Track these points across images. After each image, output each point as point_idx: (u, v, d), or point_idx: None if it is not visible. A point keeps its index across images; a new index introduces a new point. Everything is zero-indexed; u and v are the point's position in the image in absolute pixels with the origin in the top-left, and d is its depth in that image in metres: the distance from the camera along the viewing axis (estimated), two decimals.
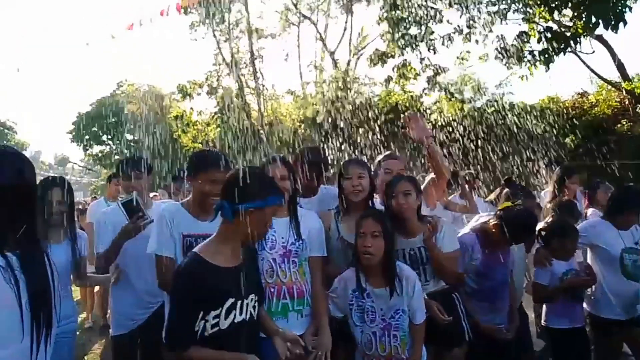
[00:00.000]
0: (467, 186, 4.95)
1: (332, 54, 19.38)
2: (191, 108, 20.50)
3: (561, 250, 3.32)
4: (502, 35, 11.01)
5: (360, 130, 11.92)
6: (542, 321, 3.50)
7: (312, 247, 2.68)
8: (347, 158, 3.30)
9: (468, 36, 11.40)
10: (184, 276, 1.94)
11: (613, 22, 7.62)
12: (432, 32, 11.82)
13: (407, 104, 13.51)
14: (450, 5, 11.10)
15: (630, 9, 7.81)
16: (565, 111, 11.77)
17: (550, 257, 3.33)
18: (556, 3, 9.07)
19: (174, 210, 2.62)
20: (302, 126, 16.29)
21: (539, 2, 9.70)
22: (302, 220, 2.67)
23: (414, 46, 11.92)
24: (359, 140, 11.15)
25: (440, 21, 11.61)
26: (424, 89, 13.81)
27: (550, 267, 3.32)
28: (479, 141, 10.00)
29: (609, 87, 11.87)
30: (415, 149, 10.18)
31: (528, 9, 10.33)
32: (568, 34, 9.68)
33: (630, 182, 5.43)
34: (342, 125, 12.63)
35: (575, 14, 9.02)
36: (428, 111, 12.94)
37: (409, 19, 11.45)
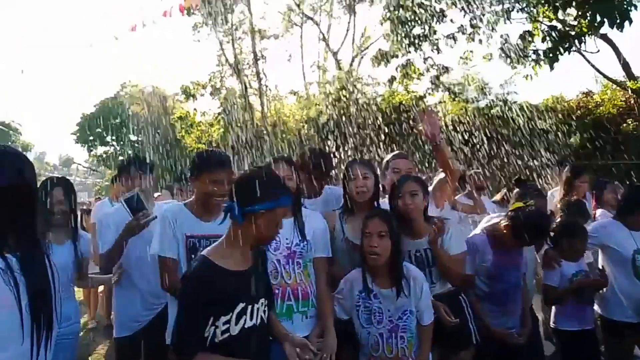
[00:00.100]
0: (474, 186, 4.89)
1: (335, 54, 19.37)
2: (194, 109, 20.51)
3: (570, 251, 3.28)
4: (506, 34, 10.96)
5: (364, 130, 11.89)
6: (551, 323, 3.46)
7: (316, 248, 2.66)
8: (350, 158, 3.25)
9: (472, 36, 11.35)
10: (193, 280, 1.89)
11: (618, 21, 7.55)
12: (436, 32, 11.79)
13: (411, 104, 13.47)
14: (454, 5, 11.05)
15: (636, 7, 7.74)
16: (569, 111, 11.71)
17: (559, 258, 3.28)
18: (560, 2, 9.02)
19: (176, 211, 2.60)
20: (306, 127, 16.27)
21: (543, 1, 9.64)
22: (306, 220, 2.65)
23: (417, 46, 11.88)
24: (362, 141, 11.12)
25: (444, 21, 11.56)
26: (428, 88, 13.76)
27: (560, 268, 3.27)
28: (483, 141, 9.96)
29: (614, 86, 11.80)
30: (419, 150, 10.15)
31: (532, 8, 10.26)
32: (572, 33, 9.63)
33: (636, 182, 5.38)
34: (345, 125, 12.60)
35: (580, 12, 8.96)
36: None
37: (413, 18, 11.40)
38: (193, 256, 2.51)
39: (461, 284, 2.85)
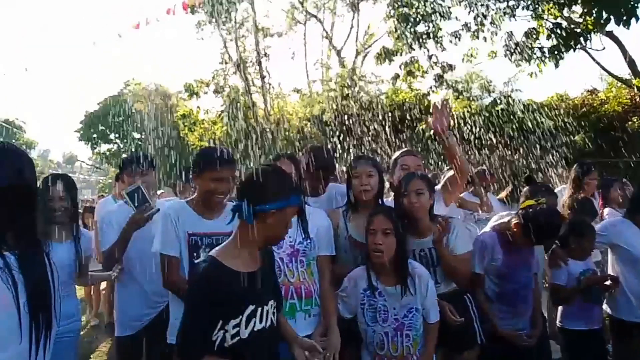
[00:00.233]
0: (482, 183, 4.83)
1: (338, 52, 19.35)
2: (198, 107, 20.56)
3: (578, 249, 3.24)
4: (511, 32, 10.90)
5: (367, 128, 11.86)
6: (558, 322, 3.42)
7: (320, 246, 2.64)
8: (353, 156, 3.20)
9: (476, 33, 11.29)
10: (201, 281, 1.83)
11: (625, 18, 7.50)
12: (440, 29, 11.73)
13: (415, 102, 13.44)
14: (459, 2, 10.99)
15: None
16: (574, 109, 11.66)
17: (566, 257, 3.24)
18: None
19: (179, 209, 2.58)
20: (309, 124, 16.26)
21: None
22: (310, 218, 2.62)
23: (421, 43, 11.82)
24: (365, 138, 11.09)
25: (449, 18, 11.50)
26: (431, 86, 13.70)
27: (567, 267, 3.23)
28: (487, 139, 9.91)
29: (619, 84, 11.74)
30: (425, 148, 10.12)
31: (537, 6, 10.20)
32: (578, 30, 9.58)
33: None
34: (348, 123, 12.56)
35: (586, 9, 8.91)
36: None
37: (417, 15, 11.35)
38: (195, 254, 2.50)
39: (467, 284, 2.81)
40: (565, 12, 9.72)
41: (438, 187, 3.24)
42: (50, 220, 2.92)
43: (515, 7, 10.55)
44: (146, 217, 2.81)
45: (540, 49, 10.18)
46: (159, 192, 5.02)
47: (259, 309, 1.86)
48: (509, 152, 9.93)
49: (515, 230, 2.86)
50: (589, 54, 10.71)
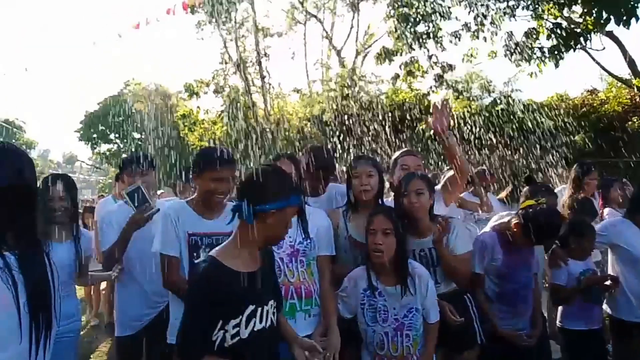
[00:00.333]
0: (482, 183, 4.82)
1: (338, 52, 19.34)
2: (198, 107, 20.55)
3: (578, 249, 3.23)
4: (511, 32, 10.89)
5: (367, 128, 11.85)
6: (558, 322, 3.41)
7: (320, 246, 2.64)
8: (353, 156, 3.19)
9: (476, 33, 11.29)
10: (201, 281, 1.83)
11: (625, 18, 7.49)
12: (440, 29, 11.73)
13: (414, 102, 13.43)
14: (459, 2, 10.98)
15: None
16: (574, 109, 11.65)
17: (566, 257, 3.23)
18: None
19: (179, 209, 2.58)
20: (309, 124, 16.25)
21: None
22: (310, 218, 2.61)
23: (421, 43, 11.81)
24: (365, 138, 11.08)
25: (449, 18, 11.50)
26: (431, 86, 13.69)
27: (567, 267, 3.23)
28: (487, 139, 9.91)
29: (619, 84, 11.74)
30: (425, 148, 10.11)
31: (537, 6, 10.19)
32: (578, 30, 9.57)
33: None
34: (348, 123, 12.56)
35: (586, 9, 8.90)
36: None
37: (417, 15, 11.34)
38: (195, 254, 2.50)
39: (467, 284, 2.81)
40: (565, 12, 9.72)
41: (438, 187, 3.23)
42: (50, 220, 2.92)
43: (515, 7, 10.54)
44: (146, 217, 2.81)
45: (540, 49, 10.17)
46: (159, 192, 5.02)
47: (259, 309, 1.85)
48: (509, 152, 9.93)
49: (515, 230, 2.85)
50: (589, 54, 10.71)
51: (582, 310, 3.25)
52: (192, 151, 16.59)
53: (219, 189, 2.48)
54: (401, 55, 12.45)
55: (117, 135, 26.84)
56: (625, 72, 11.24)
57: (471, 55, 12.70)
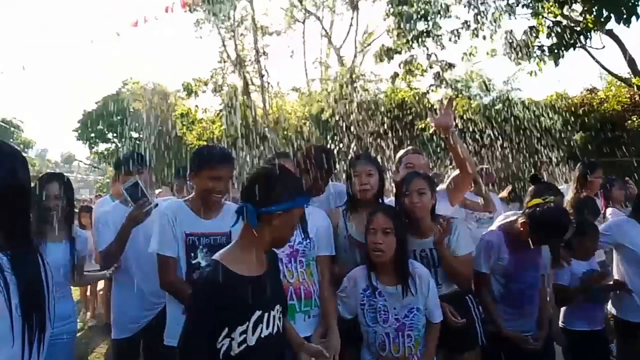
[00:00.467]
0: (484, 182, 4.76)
1: (337, 50, 19.30)
2: (196, 106, 20.54)
3: (581, 249, 3.20)
4: (510, 30, 10.86)
5: (366, 127, 11.84)
6: (560, 323, 3.37)
7: (320, 246, 2.61)
8: (352, 155, 3.15)
9: (476, 31, 11.26)
10: (206, 286, 1.74)
11: (625, 16, 7.45)
12: (440, 28, 11.70)
13: (414, 101, 13.42)
14: (458, 0, 10.95)
15: None
16: (573, 107, 11.64)
17: (569, 257, 3.19)
18: None
19: (176, 209, 2.55)
20: (307, 123, 16.23)
21: None
22: (309, 218, 2.59)
23: (420, 42, 11.78)
24: (364, 137, 11.07)
25: (448, 16, 11.47)
26: (431, 85, 13.67)
27: (570, 267, 3.19)
28: (486, 138, 9.89)
29: (619, 83, 11.72)
30: (423, 148, 10.08)
31: (537, 4, 10.16)
32: (578, 28, 9.54)
33: None
34: (347, 122, 12.55)
35: (586, 8, 8.87)
36: (435, 107, 12.82)
37: (416, 14, 11.31)
38: (192, 254, 2.47)
39: (469, 285, 2.77)
40: (565, 10, 9.68)
41: (444, 186, 3.20)
42: (45, 219, 2.88)
43: (514, 5, 10.51)
44: (145, 213, 2.76)
45: (540, 47, 10.14)
46: (157, 191, 4.98)
47: (266, 315, 1.78)
48: (508, 151, 9.90)
49: (521, 229, 2.78)
50: (588, 52, 10.68)
51: (585, 310, 3.22)
52: (190, 150, 16.56)
53: (216, 188, 2.45)
54: (400, 53, 12.41)
55: (115, 134, 26.78)
56: (625, 70, 11.22)
57: (470, 54, 12.67)
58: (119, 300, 3.13)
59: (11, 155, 1.40)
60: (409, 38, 11.59)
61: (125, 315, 3.05)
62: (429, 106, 12.70)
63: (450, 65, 13.20)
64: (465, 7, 10.97)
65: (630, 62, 10.12)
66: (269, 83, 18.84)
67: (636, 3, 7.39)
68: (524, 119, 10.96)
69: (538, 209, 2.73)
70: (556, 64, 9.58)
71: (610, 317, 3.37)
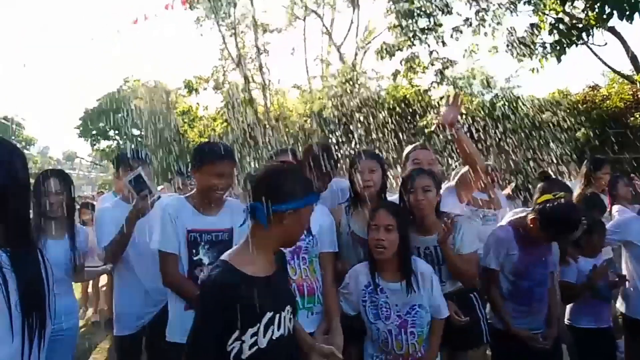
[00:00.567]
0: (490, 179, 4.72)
1: (338, 47, 19.26)
2: (197, 103, 20.53)
3: (588, 246, 3.17)
4: (512, 27, 10.83)
5: (367, 124, 11.81)
6: (566, 320, 3.34)
7: (322, 243, 2.60)
8: (355, 152, 3.12)
9: (477, 29, 11.22)
10: (214, 288, 1.66)
11: (628, 12, 7.42)
12: (441, 25, 11.66)
13: (415, 98, 13.37)
14: None
15: None
16: (576, 105, 11.60)
17: (576, 254, 3.16)
18: None
19: (177, 205, 2.53)
20: (309, 121, 16.20)
21: None
22: (312, 215, 2.56)
23: (422, 39, 11.75)
24: (366, 135, 11.04)
25: (450, 13, 11.42)
26: (432, 82, 13.63)
27: (576, 264, 3.16)
28: (488, 135, 9.87)
29: (621, 79, 11.68)
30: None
31: (539, 1, 10.12)
32: (580, 25, 9.50)
33: None
34: (348, 119, 12.52)
35: (588, 4, 8.83)
36: (436, 105, 12.80)
37: (418, 10, 11.27)
38: (194, 251, 2.46)
39: (474, 283, 2.75)
40: (567, 7, 9.64)
41: (452, 183, 3.17)
42: (46, 216, 2.87)
43: (516, 1, 10.47)
44: (147, 205, 2.73)
45: (542, 44, 10.10)
46: (159, 187, 4.97)
47: (277, 316, 1.74)
48: (510, 149, 9.87)
49: (531, 225, 2.73)
50: (590, 49, 10.64)
51: (591, 307, 3.20)
52: (191, 147, 16.55)
53: (219, 185, 2.44)
54: (402, 50, 12.38)
55: (116, 132, 26.83)
56: (627, 67, 11.18)
57: (472, 51, 12.63)
58: (121, 297, 3.11)
59: (10, 151, 1.38)
60: (410, 35, 11.56)
61: (128, 312, 3.03)
62: (431, 103, 12.68)
63: (451, 62, 13.16)
64: (466, 4, 10.94)
65: (633, 59, 10.09)
66: (269, 80, 18.83)
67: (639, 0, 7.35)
68: (526, 116, 10.93)
69: (548, 205, 2.67)
70: (559, 61, 9.55)
71: (618, 315, 3.34)
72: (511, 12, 10.63)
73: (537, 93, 12.97)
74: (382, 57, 12.39)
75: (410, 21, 11.35)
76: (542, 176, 3.54)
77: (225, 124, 17.91)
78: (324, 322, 2.51)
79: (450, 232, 2.57)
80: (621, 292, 3.33)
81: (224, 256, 1.76)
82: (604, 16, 8.05)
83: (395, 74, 13.79)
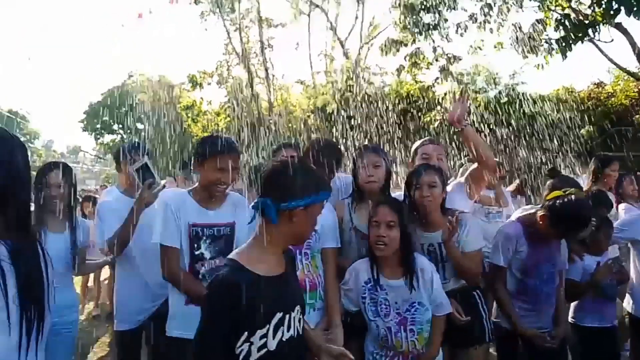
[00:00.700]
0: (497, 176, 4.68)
1: (342, 43, 19.19)
2: (201, 98, 20.51)
3: (594, 244, 3.14)
4: (517, 23, 10.75)
5: (372, 120, 11.77)
6: (570, 318, 3.30)
7: (325, 238, 2.58)
8: (358, 147, 3.09)
9: (483, 24, 11.15)
10: (223, 287, 1.60)
11: (635, 9, 7.35)
12: (447, 20, 11.59)
13: (419, 94, 13.32)
14: None
15: None
16: (580, 102, 11.54)
17: (581, 251, 3.13)
18: None
19: (179, 199, 2.51)
20: (312, 116, 16.16)
21: None
22: None
23: (427, 34, 11.68)
24: (370, 130, 11.01)
25: (455, 9, 11.36)
26: (436, 78, 13.56)
27: (582, 262, 3.13)
28: (492, 131, 9.83)
29: (627, 77, 11.60)
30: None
31: None
32: (586, 22, 9.42)
33: None
34: (352, 115, 12.48)
35: (595, 0, 8.76)
36: (441, 101, 12.75)
37: (423, 5, 11.20)
38: (196, 245, 2.44)
39: (478, 281, 2.72)
40: (574, 2, 9.57)
41: (462, 179, 3.15)
42: (47, 208, 2.86)
43: None
44: (154, 194, 2.70)
45: (548, 40, 10.03)
46: (162, 181, 4.96)
47: (287, 317, 1.68)
48: (514, 145, 9.84)
49: (541, 222, 2.68)
50: (596, 46, 10.56)
51: (596, 306, 3.16)
52: (195, 142, 16.53)
53: (222, 179, 2.41)
54: (407, 46, 12.32)
55: (120, 126, 26.86)
56: (633, 64, 11.10)
57: (477, 47, 12.55)
58: (123, 291, 3.10)
59: (10, 142, 1.37)
60: (415, 31, 11.49)
61: (129, 306, 3.02)
62: (435, 100, 12.63)
63: (456, 58, 13.09)
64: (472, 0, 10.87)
65: (639, 55, 10.00)
66: (273, 75, 18.78)
67: None
68: (531, 112, 10.87)
69: (559, 201, 2.61)
70: (564, 57, 9.48)
71: (625, 315, 3.31)
72: (517, 7, 10.56)
73: (542, 90, 12.91)
74: (386, 53, 12.33)
75: (415, 17, 11.28)
76: (551, 173, 3.50)
77: (228, 119, 17.89)
78: (325, 318, 2.50)
79: (456, 231, 2.54)
80: (628, 291, 3.29)
81: (232, 254, 1.72)
82: (611, 12, 7.98)
83: (399, 70, 13.72)
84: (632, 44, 9.99)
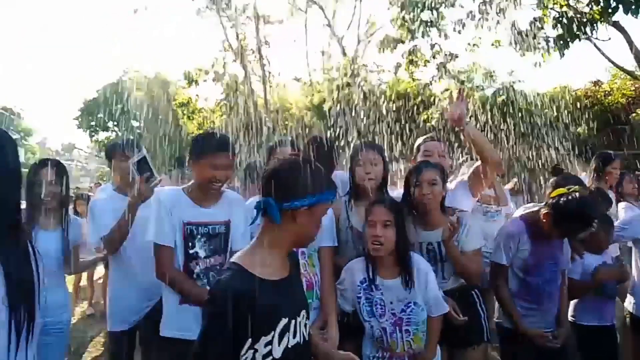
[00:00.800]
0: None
1: (340, 40, 19.17)
2: (197, 95, 20.44)
3: (594, 242, 3.11)
4: (515, 21, 10.74)
5: (368, 118, 11.75)
6: (570, 317, 3.28)
7: (322, 237, 2.52)
8: (355, 144, 3.04)
9: (480, 22, 11.13)
10: (225, 292, 1.51)
11: (633, 7, 7.34)
12: (444, 18, 11.57)
13: (416, 92, 13.33)
14: None
15: None
16: (577, 100, 11.57)
17: (581, 249, 3.11)
18: None
19: (174, 197, 2.47)
20: (309, 113, 16.14)
21: None
22: None
23: (425, 32, 11.65)
24: (367, 128, 10.99)
25: (453, 6, 11.33)
26: (434, 76, 13.54)
27: (582, 260, 3.10)
28: (489, 130, 9.82)
29: (624, 75, 11.63)
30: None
31: None
32: (584, 20, 9.41)
33: None
34: (349, 112, 12.47)
35: None
36: (437, 99, 12.75)
37: (421, 2, 11.17)
38: (190, 244, 2.41)
39: (477, 281, 2.69)
40: (572, 0, 9.56)
41: (465, 177, 3.12)
42: (38, 206, 2.81)
43: None
44: (151, 188, 2.65)
45: (545, 38, 10.02)
46: (159, 177, 4.91)
47: (292, 322, 1.61)
48: (512, 144, 9.84)
49: (544, 220, 2.64)
50: (594, 44, 10.57)
51: (596, 305, 3.14)
52: (190, 140, 16.48)
53: (217, 176, 2.37)
54: (404, 43, 12.29)
55: (115, 123, 26.72)
56: (630, 63, 11.11)
57: (474, 44, 12.54)
58: (116, 291, 3.05)
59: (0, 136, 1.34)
60: (413, 28, 11.46)
61: (123, 306, 2.97)
62: (432, 97, 12.63)
63: (453, 56, 13.07)
64: None
65: (636, 54, 10.00)
66: (270, 72, 18.73)
67: None
68: (528, 111, 10.88)
69: (562, 199, 2.57)
70: (562, 55, 9.48)
71: (626, 314, 3.29)
72: (515, 5, 10.53)
73: (539, 88, 12.92)
74: (384, 50, 12.30)
75: (413, 14, 11.25)
76: (555, 170, 3.47)
77: (224, 116, 17.85)
78: (321, 318, 2.47)
79: (457, 231, 2.51)
80: (630, 291, 3.27)
81: (234, 258, 1.64)
82: (609, 10, 7.98)
83: (396, 67, 13.70)
84: (630, 42, 10.00)
